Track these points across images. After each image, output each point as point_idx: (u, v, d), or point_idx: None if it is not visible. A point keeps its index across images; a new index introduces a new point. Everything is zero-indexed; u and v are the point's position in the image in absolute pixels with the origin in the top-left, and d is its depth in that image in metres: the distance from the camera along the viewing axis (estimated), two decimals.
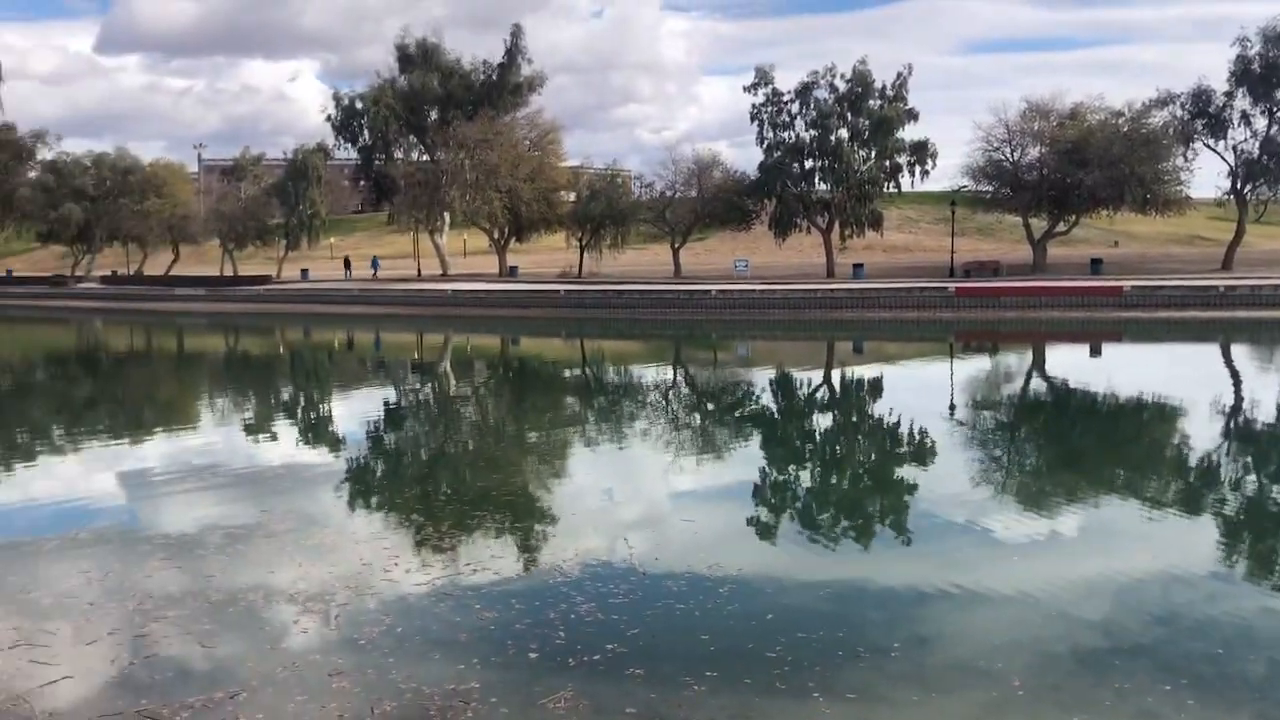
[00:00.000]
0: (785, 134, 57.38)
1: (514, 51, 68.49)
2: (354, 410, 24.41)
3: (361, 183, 79.02)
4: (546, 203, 62.50)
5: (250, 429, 21.18)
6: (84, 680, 7.51)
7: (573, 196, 64.44)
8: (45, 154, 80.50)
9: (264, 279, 67.57)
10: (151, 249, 79.45)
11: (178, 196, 77.12)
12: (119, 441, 19.95)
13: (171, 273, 76.05)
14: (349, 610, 8.91)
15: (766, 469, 16.26)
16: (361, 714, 6.82)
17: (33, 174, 79.44)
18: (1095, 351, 33.92)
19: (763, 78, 57.06)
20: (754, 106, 57.54)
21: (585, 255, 62.46)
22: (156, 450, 18.49)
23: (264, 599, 9.24)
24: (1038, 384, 26.72)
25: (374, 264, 68.71)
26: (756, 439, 19.24)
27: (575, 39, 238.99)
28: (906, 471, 15.80)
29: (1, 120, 78.42)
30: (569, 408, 24.13)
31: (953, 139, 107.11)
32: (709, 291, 48.52)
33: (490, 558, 10.52)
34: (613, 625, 8.42)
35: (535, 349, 40.27)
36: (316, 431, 21.34)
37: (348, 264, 69.78)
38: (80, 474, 16.42)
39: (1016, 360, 33.14)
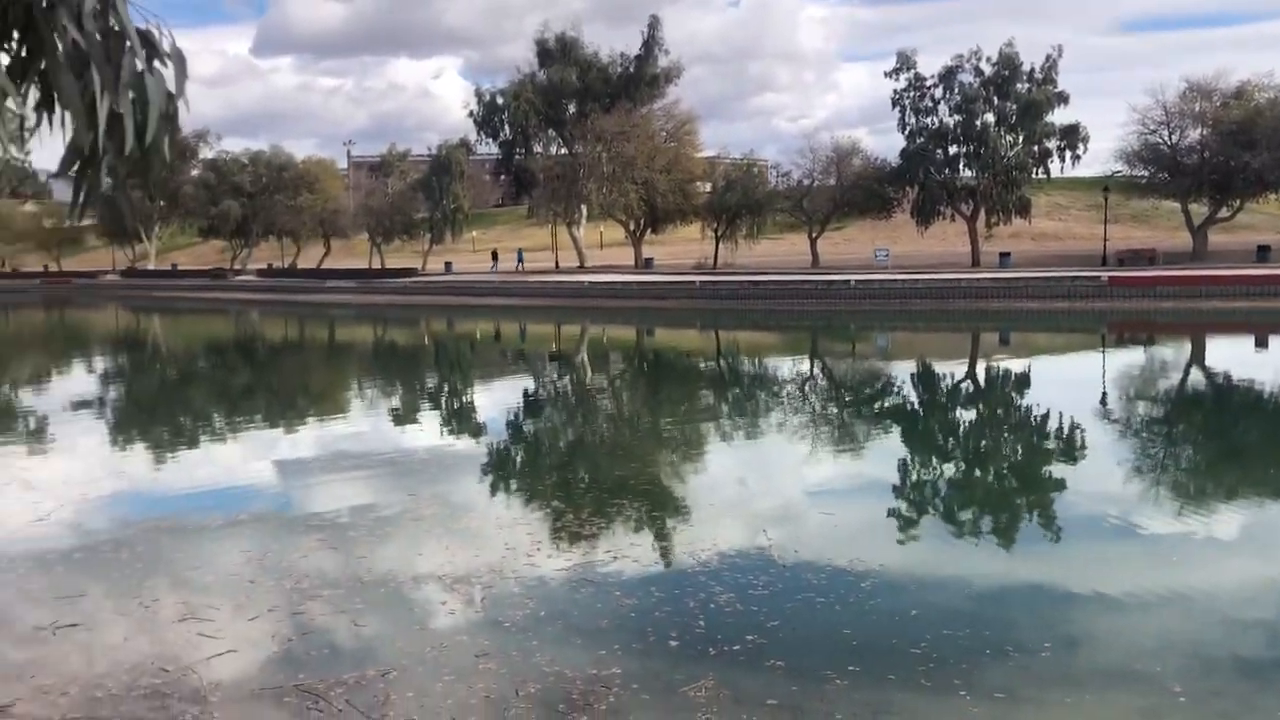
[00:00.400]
0: (928, 119, 56.16)
1: (651, 43, 68.83)
2: (495, 399, 24.97)
3: (502, 177, 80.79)
4: (682, 194, 62.63)
5: (398, 417, 21.89)
6: (245, 655, 7.89)
7: (708, 187, 64.40)
8: (207, 153, 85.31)
9: (409, 271, 69.69)
10: (304, 243, 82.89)
11: (328, 192, 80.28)
12: (275, 428, 20.92)
13: (323, 266, 79.18)
14: (493, 593, 9.13)
15: (908, 463, 15.92)
16: (507, 695, 6.98)
17: (195, 172, 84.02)
18: (1261, 344, 32.07)
19: (904, 62, 55.90)
20: (895, 92, 56.49)
21: (720, 246, 62.32)
22: (310, 437, 19.29)
23: (412, 581, 9.54)
24: (1196, 378, 25.43)
25: (519, 257, 70.12)
26: (897, 433, 18.87)
27: (712, 29, 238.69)
28: (1055, 468, 15.24)
29: (186, 117, 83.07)
30: (704, 399, 24.13)
31: (1105, 122, 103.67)
32: (848, 281, 47.79)
33: (629, 545, 10.61)
34: (752, 616, 8.39)
35: (670, 340, 40.42)
36: (460, 420, 21.90)
37: (495, 256, 71.25)
38: (240, 459, 17.26)
39: (1174, 353, 31.58)
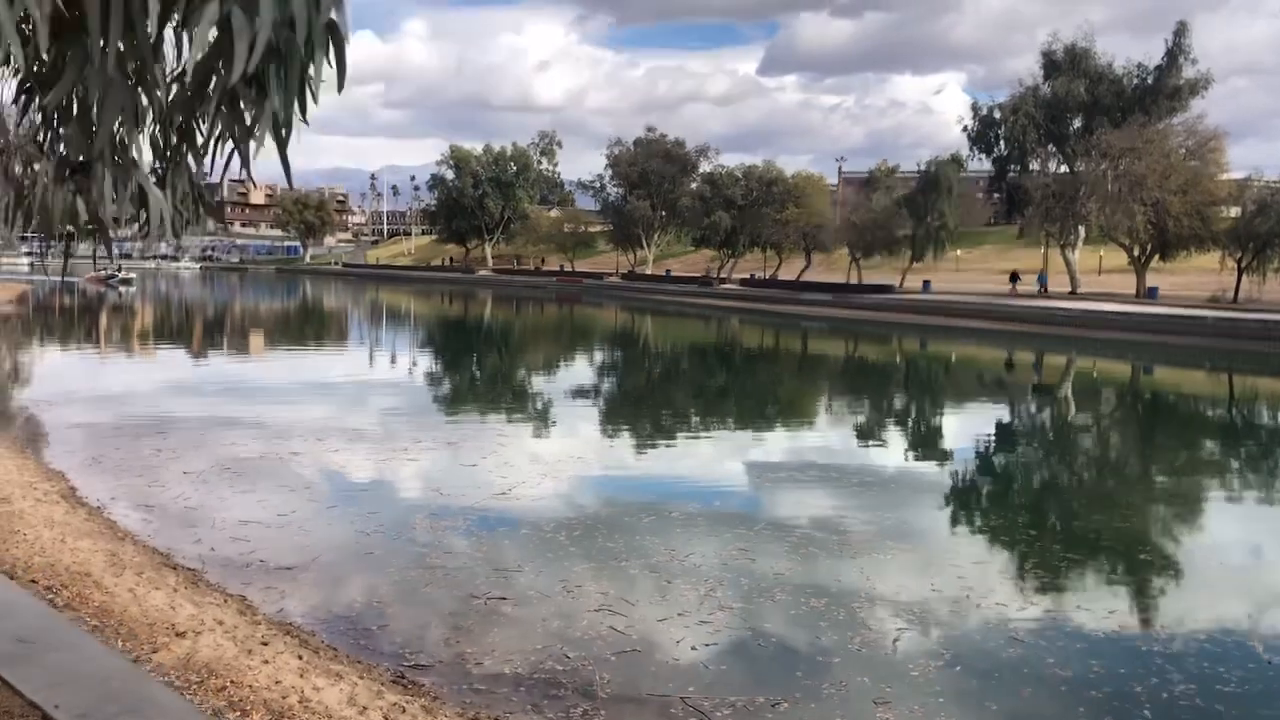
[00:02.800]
0: None
1: (1175, 52, 62.44)
2: (967, 426, 23.79)
3: (995, 195, 77.54)
4: (1200, 218, 56.00)
5: (864, 434, 21.57)
6: (645, 656, 7.99)
7: (1234, 212, 57.02)
8: (705, 167, 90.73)
9: (886, 288, 69.13)
10: (787, 255, 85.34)
11: (814, 206, 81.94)
12: (743, 431, 21.53)
13: (801, 278, 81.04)
14: (919, 637, 8.49)
15: None
16: None
17: (693, 185, 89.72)
18: None
19: None
20: None
21: (1244, 278, 54.89)
22: (777, 443, 19.60)
23: (847, 606, 9.20)
24: None
25: (1040, 280, 64.69)
26: None
27: (1260, 37, 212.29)
28: None
29: (673, 137, 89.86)
30: (1208, 450, 21.23)
31: None
32: None
33: (1076, 607, 9.55)
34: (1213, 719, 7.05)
35: (1171, 380, 36.24)
36: (928, 443, 21.15)
37: (1015, 278, 66.27)
38: (706, 458, 17.90)
39: None
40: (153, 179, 3.13)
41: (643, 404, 26.06)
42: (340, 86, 2.77)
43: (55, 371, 28.83)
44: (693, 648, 8.23)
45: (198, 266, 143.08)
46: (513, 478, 14.41)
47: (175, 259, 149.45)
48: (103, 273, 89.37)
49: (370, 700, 6.91)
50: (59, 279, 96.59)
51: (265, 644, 7.77)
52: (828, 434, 21.18)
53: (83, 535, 10.44)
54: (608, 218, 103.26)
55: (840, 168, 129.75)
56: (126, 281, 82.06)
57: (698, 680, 7.59)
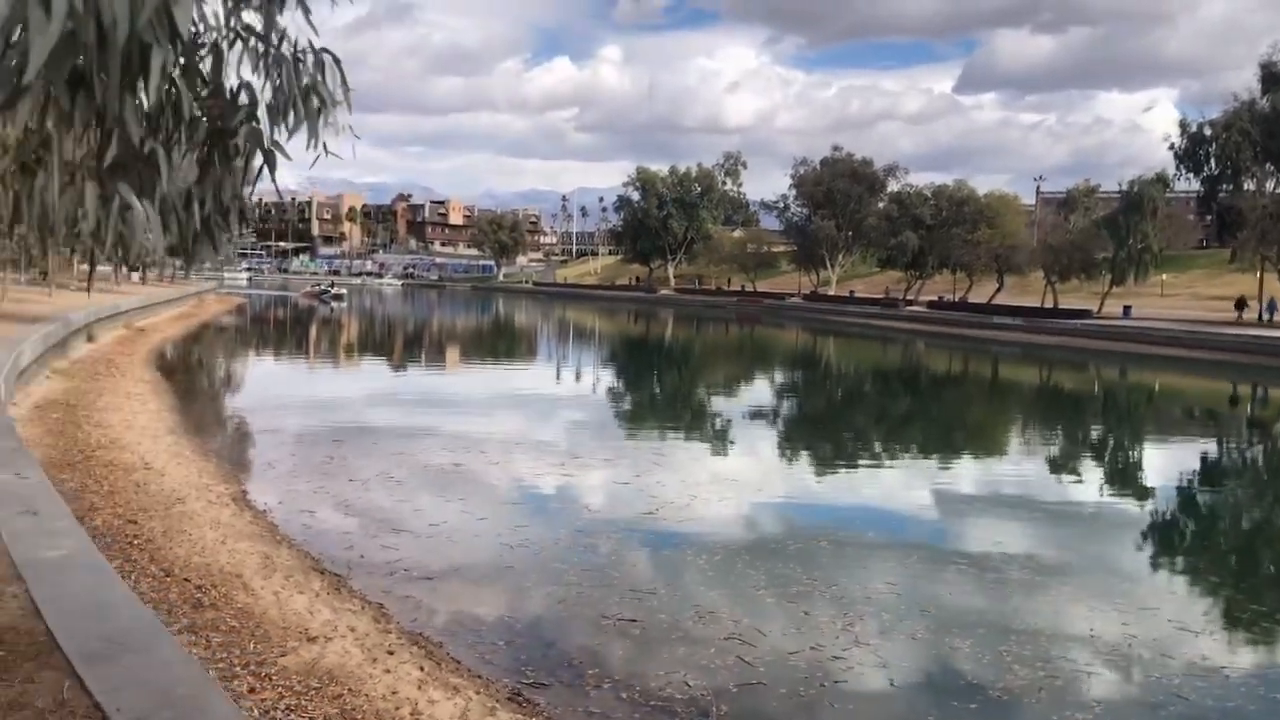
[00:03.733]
0: None
1: None
2: (1168, 461, 22.05)
3: (1204, 216, 72.61)
4: None
5: (1058, 465, 20.33)
6: (768, 690, 7.53)
7: None
8: (893, 186, 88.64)
9: (1083, 313, 65.54)
10: (977, 277, 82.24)
11: (1007, 227, 78.65)
12: (932, 457, 20.69)
13: (992, 301, 77.89)
14: (1139, 677, 7.74)
15: None
16: None
17: (880, 205, 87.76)
18: None
19: None
20: None
21: None
22: (967, 472, 18.77)
23: (1017, 646, 8.48)
24: None
25: (1271, 307, 60.08)
26: None
27: None
28: None
29: (860, 156, 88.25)
30: None
31: None
32: None
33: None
34: None
35: None
36: (1125, 477, 19.79)
37: (1241, 305, 61.68)
38: (874, 483, 17.22)
39: None
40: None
41: (818, 428, 25.44)
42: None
43: (259, 379, 30.65)
44: (821, 684, 7.79)
45: (399, 283, 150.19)
46: (666, 497, 14.20)
47: (379, 276, 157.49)
48: (316, 288, 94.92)
49: (481, 716, 6.80)
50: (275, 293, 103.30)
51: (391, 653, 7.81)
52: (1019, 464, 20.06)
53: (243, 537, 10.87)
54: (791, 238, 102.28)
55: (1039, 187, 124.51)
56: (339, 297, 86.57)
57: (818, 718, 7.17)
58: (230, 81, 3.06)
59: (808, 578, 10.44)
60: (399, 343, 51.68)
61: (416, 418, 21.98)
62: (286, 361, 38.72)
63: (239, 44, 3.09)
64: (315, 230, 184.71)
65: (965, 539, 12.81)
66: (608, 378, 37.33)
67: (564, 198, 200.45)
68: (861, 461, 20.06)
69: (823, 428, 25.23)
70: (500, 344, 53.46)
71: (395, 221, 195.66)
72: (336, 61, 3.24)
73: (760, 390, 35.04)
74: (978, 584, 10.47)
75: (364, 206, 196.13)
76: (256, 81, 3.10)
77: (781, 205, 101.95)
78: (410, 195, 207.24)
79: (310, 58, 3.23)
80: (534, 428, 21.38)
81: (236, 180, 3.23)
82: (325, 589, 9.45)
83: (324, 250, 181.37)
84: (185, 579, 8.77)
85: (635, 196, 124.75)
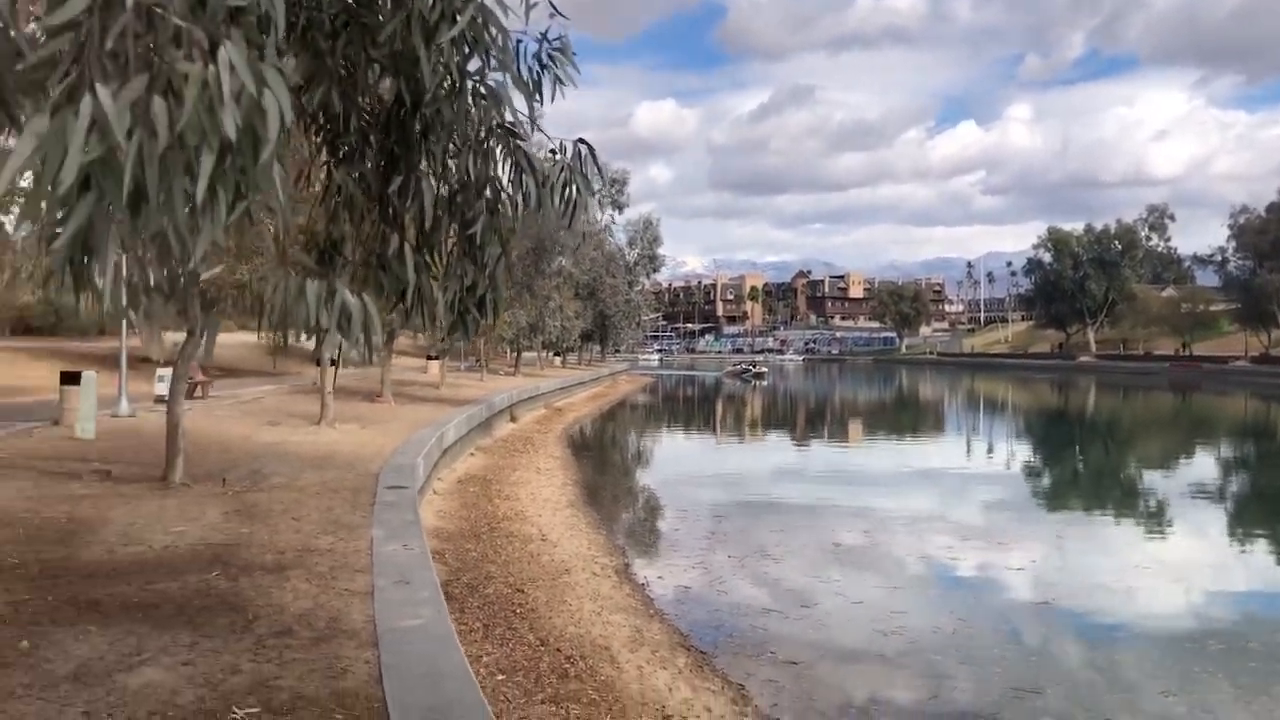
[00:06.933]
0: None
1: None
2: None
3: None
4: None
5: None
6: None
7: None
8: None
9: None
10: None
11: None
12: None
13: None
14: None
15: None
16: None
17: None
18: None
19: None
20: None
21: None
22: None
23: None
24: None
25: None
26: None
27: None
28: None
29: None
30: None
31: None
32: None
33: None
34: None
35: None
36: None
37: None
38: None
39: None
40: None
41: None
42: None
43: (660, 454, 32.02)
44: None
45: (800, 359, 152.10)
46: (1077, 582, 12.87)
47: (780, 352, 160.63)
48: (738, 367, 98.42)
49: None
50: (683, 372, 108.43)
51: None
52: None
53: (618, 610, 11.15)
54: (1232, 294, 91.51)
55: None
56: (759, 375, 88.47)
57: None
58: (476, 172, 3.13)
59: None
60: (801, 418, 51.89)
61: (813, 493, 21.76)
62: (689, 437, 40.17)
63: (496, 142, 3.17)
64: (719, 310, 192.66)
65: None
66: (1023, 451, 34.87)
67: (969, 264, 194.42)
68: None
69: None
70: (904, 417, 51.86)
71: (795, 298, 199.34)
72: (591, 151, 3.26)
73: (1203, 465, 30.90)
74: None
75: (765, 285, 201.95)
76: (503, 174, 3.16)
77: (1219, 259, 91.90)
78: (809, 271, 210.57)
79: (570, 149, 3.26)
80: (934, 505, 20.34)
81: (483, 270, 3.29)
82: (688, 666, 9.40)
83: (728, 329, 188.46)
84: (558, 649, 9.09)
85: (1047, 258, 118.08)
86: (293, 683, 5.16)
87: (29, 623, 6.20)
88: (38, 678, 5.21)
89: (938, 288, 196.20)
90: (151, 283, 1.84)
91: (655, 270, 79.42)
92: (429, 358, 42.69)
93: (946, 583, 13.80)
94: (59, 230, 1.65)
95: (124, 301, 1.86)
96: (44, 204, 1.60)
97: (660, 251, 75.15)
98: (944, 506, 20.15)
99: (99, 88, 1.50)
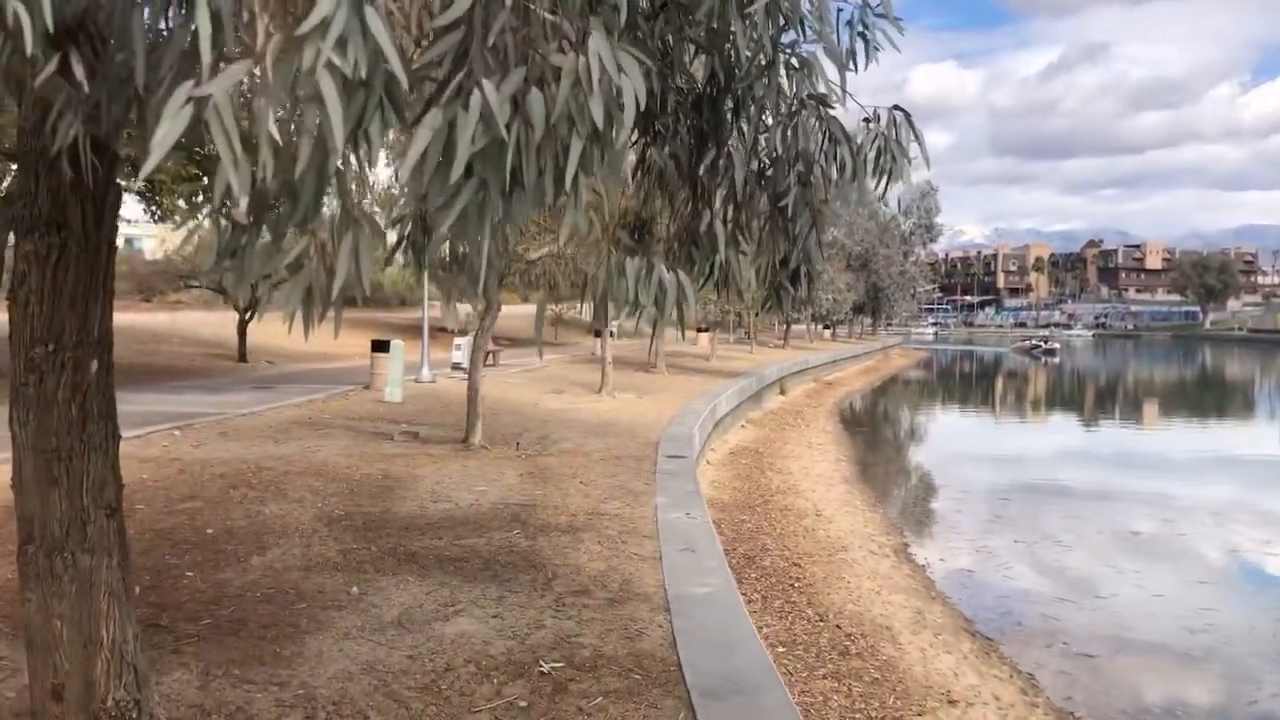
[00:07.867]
0: None
1: None
2: None
3: None
4: None
5: None
6: None
7: None
8: None
9: None
10: None
11: None
12: None
13: None
14: None
15: None
16: None
17: None
18: None
19: None
20: None
21: None
22: None
23: None
24: None
25: None
26: None
27: None
28: None
29: None
30: None
31: None
32: None
33: None
34: None
35: None
36: None
37: None
38: None
39: None
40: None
41: None
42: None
43: (936, 432, 31.07)
44: None
45: (1089, 334, 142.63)
46: None
47: (1067, 326, 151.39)
48: (1027, 342, 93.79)
49: None
50: (960, 347, 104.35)
51: None
52: None
53: (898, 590, 10.93)
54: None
55: None
56: (1050, 351, 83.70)
57: None
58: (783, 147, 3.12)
59: None
60: (1090, 397, 48.73)
61: (1101, 477, 20.44)
62: (967, 415, 38.69)
63: (809, 114, 3.14)
64: (1000, 283, 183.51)
65: None
66: None
67: None
68: None
69: None
70: (1208, 399, 47.44)
71: (1084, 269, 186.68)
72: (908, 118, 3.17)
73: None
74: None
75: (1051, 255, 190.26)
76: (814, 145, 3.11)
77: None
78: (1101, 241, 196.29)
79: (884, 115, 3.18)
80: (1243, 495, 18.61)
81: (798, 243, 3.26)
82: (973, 652, 9.10)
83: (1010, 302, 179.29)
84: (837, 625, 9.04)
85: None
86: (593, 641, 5.42)
87: (356, 570, 6.83)
88: (367, 621, 5.73)
89: (1249, 258, 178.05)
90: (488, 264, 1.95)
91: (932, 240, 76.80)
92: (698, 330, 43.35)
93: (1261, 580, 12.63)
94: (435, 212, 1.80)
95: (481, 279, 1.99)
96: (424, 190, 1.75)
97: (937, 220, 72.51)
98: (1255, 497, 18.37)
99: (484, 82, 1.63)
